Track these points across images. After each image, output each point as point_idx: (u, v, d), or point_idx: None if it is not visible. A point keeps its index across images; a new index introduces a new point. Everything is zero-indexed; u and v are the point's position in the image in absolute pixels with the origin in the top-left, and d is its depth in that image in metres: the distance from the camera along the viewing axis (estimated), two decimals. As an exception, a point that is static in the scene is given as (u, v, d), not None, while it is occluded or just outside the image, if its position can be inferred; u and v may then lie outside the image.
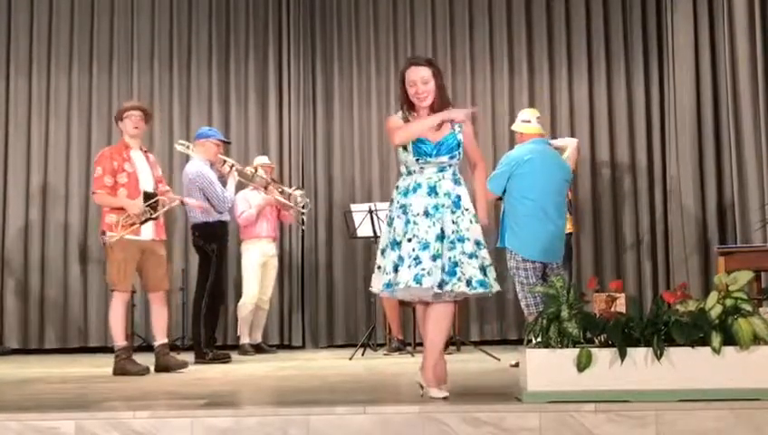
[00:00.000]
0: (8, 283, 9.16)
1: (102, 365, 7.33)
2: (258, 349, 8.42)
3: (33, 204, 9.24)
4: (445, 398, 4.24)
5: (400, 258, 4.37)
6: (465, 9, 9.61)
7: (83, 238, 9.26)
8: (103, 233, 6.34)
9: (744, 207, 7.97)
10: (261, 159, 8.75)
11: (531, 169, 6.18)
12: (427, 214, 4.39)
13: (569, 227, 7.47)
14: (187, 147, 7.95)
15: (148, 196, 6.34)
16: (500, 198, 6.38)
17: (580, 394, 3.86)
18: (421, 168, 4.45)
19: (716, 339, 3.87)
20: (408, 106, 4.54)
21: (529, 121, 6.56)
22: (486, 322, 9.29)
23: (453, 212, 4.43)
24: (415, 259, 4.32)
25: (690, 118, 8.79)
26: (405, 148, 4.45)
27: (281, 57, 9.54)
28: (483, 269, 4.40)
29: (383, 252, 4.50)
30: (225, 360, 7.35)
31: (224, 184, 7.67)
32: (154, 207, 6.34)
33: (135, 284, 8.82)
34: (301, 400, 4.42)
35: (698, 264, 8.70)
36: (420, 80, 4.46)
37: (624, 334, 3.91)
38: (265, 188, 8.29)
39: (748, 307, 3.95)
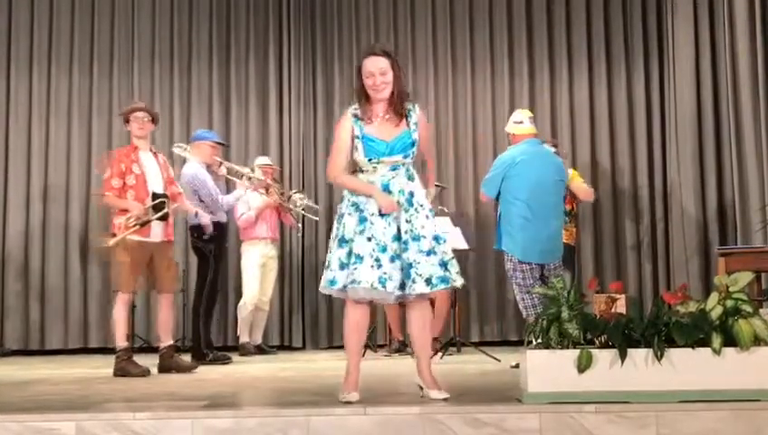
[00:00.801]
0: (9, 284, 9.16)
1: (103, 366, 7.33)
2: (258, 350, 8.42)
3: (33, 205, 9.24)
4: (445, 399, 4.24)
5: (353, 256, 4.27)
6: (466, 10, 9.61)
7: (84, 239, 9.26)
8: (112, 235, 6.36)
9: (744, 208, 7.97)
10: (262, 160, 8.75)
11: (523, 171, 6.17)
12: (381, 213, 4.30)
13: (565, 237, 7.42)
14: (185, 149, 7.96)
15: (156, 197, 6.35)
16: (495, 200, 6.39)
17: (580, 395, 3.85)
18: (374, 167, 4.36)
19: (717, 340, 3.87)
20: (365, 98, 4.39)
21: (521, 122, 6.52)
22: (486, 323, 9.28)
23: (406, 211, 4.34)
24: (376, 260, 4.25)
25: (690, 119, 8.78)
26: (356, 148, 4.36)
27: (281, 58, 9.55)
28: (443, 265, 4.32)
29: (330, 249, 4.43)
30: (226, 361, 7.35)
31: (225, 187, 7.70)
32: (159, 208, 6.34)
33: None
34: (301, 401, 4.42)
35: (699, 265, 8.70)
36: (378, 71, 4.32)
37: (624, 335, 3.91)
38: (266, 189, 8.28)
39: (749, 308, 3.95)
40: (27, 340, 9.11)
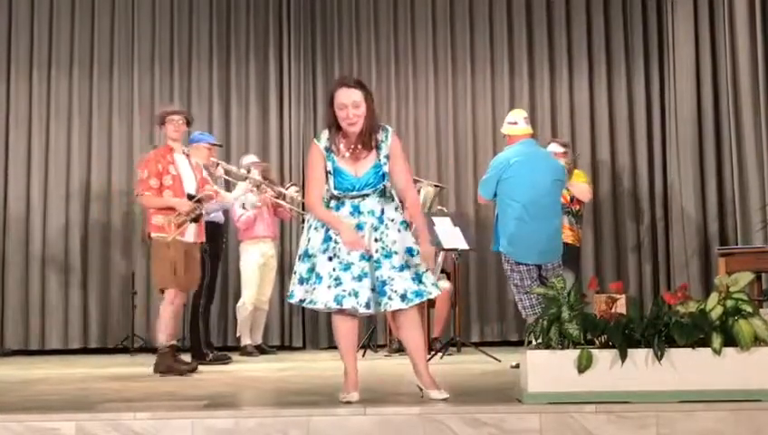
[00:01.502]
0: (9, 284, 9.15)
1: (103, 366, 7.34)
2: (259, 350, 8.41)
3: (33, 205, 9.24)
4: (445, 399, 4.25)
5: (313, 274, 4.26)
6: (466, 10, 9.60)
7: (84, 239, 9.25)
8: (148, 235, 6.43)
9: (744, 209, 7.97)
10: (250, 158, 8.71)
11: (518, 172, 6.16)
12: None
13: (571, 238, 7.42)
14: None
15: (190, 198, 6.45)
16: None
17: (580, 395, 3.86)
18: (342, 200, 4.33)
19: (717, 340, 3.87)
20: (336, 128, 4.33)
21: (516, 123, 6.50)
22: (487, 323, 9.28)
23: (376, 229, 4.30)
24: (335, 280, 4.22)
25: (691, 119, 8.78)
26: (327, 179, 4.31)
27: (281, 58, 9.54)
28: (417, 278, 4.29)
29: (299, 257, 4.38)
30: (226, 361, 7.35)
31: (225, 187, 7.69)
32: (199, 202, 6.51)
33: (139, 284, 8.94)
34: (301, 401, 4.43)
35: (699, 265, 8.70)
36: (351, 103, 4.27)
37: (624, 335, 3.91)
38: (257, 187, 8.25)
39: (749, 308, 3.95)
40: (27, 340, 9.11)
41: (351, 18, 9.61)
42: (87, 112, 9.40)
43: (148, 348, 8.91)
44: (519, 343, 7.97)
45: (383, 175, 4.33)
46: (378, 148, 4.34)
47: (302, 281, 4.33)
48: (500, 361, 6.91)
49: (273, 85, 9.51)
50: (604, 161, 9.44)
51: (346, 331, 4.42)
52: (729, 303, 3.96)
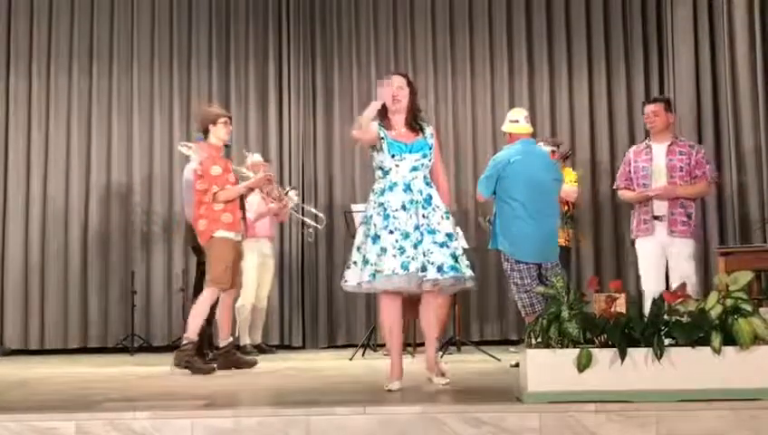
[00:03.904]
0: (8, 283, 9.15)
1: (103, 365, 7.34)
2: (258, 349, 8.41)
3: (33, 204, 9.23)
4: (446, 384, 4.84)
5: (383, 250, 4.75)
6: (465, 10, 9.59)
7: (83, 239, 9.24)
8: (203, 235, 6.53)
9: (743, 208, 7.97)
10: (255, 158, 8.70)
11: (518, 170, 6.17)
12: (404, 208, 4.82)
13: (563, 240, 7.42)
14: (189, 147, 7.95)
15: None
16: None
17: (580, 394, 3.86)
18: (396, 165, 4.90)
19: (717, 339, 3.88)
20: (385, 116, 4.99)
21: (517, 121, 6.52)
22: (487, 322, 9.29)
23: (424, 208, 4.87)
24: (399, 249, 4.74)
25: (690, 118, 8.78)
26: (380, 149, 4.92)
27: (281, 57, 9.54)
28: (454, 257, 4.84)
29: (359, 248, 4.89)
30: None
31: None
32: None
33: (138, 283, 8.94)
34: (301, 400, 4.43)
35: (698, 264, 8.68)
36: (397, 86, 4.99)
37: (624, 335, 3.91)
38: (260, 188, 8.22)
39: (748, 307, 3.95)
40: (27, 339, 9.10)
41: (351, 19, 9.60)
42: (86, 112, 9.39)
43: (148, 347, 8.94)
44: (519, 343, 7.97)
45: (429, 147, 4.99)
46: (422, 130, 5.03)
47: (366, 263, 4.80)
48: (500, 360, 6.92)
49: (273, 85, 9.50)
50: (604, 161, 9.43)
51: (396, 312, 4.91)
52: (729, 302, 3.96)
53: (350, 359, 7.47)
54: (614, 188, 6.57)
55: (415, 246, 4.75)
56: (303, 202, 8.63)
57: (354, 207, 8.44)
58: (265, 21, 9.57)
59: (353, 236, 8.34)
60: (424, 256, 4.75)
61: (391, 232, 4.77)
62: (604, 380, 3.87)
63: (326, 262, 9.35)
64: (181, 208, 8.40)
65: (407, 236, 4.76)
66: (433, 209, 4.89)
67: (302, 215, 8.61)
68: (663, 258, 6.27)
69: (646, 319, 3.98)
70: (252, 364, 6.64)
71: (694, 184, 6.24)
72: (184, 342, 6.41)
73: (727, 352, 3.88)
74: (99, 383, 5.68)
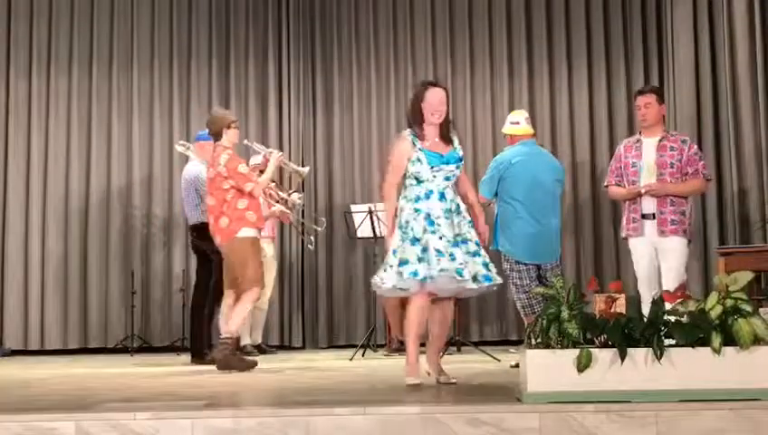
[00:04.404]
0: (8, 284, 9.15)
1: (102, 366, 7.34)
2: (258, 349, 8.41)
3: (32, 204, 9.23)
4: (454, 383, 4.99)
5: (427, 251, 4.89)
6: (465, 11, 9.60)
7: (83, 239, 9.25)
8: (227, 236, 6.58)
9: (743, 208, 7.97)
10: (260, 159, 8.69)
11: (519, 172, 6.19)
12: (445, 216, 4.98)
13: None
14: (187, 148, 7.96)
15: None
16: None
17: (580, 395, 3.86)
18: (434, 175, 5.03)
19: (717, 339, 3.88)
20: (419, 124, 5.12)
21: (518, 123, 6.55)
22: (486, 322, 9.29)
23: (456, 216, 5.04)
24: (451, 255, 4.90)
25: (689, 119, 8.78)
26: (417, 160, 5.03)
27: (281, 58, 9.54)
28: (485, 265, 5.02)
29: (395, 252, 4.98)
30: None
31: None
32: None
33: (138, 283, 8.94)
34: (301, 400, 4.43)
35: (698, 264, 8.69)
36: (439, 101, 5.09)
37: (624, 335, 3.91)
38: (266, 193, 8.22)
39: (748, 308, 3.95)
40: (27, 340, 9.10)
41: (350, 19, 9.60)
42: (86, 112, 9.39)
43: (148, 348, 8.94)
44: (519, 343, 7.98)
45: (461, 157, 5.15)
46: (452, 141, 5.16)
47: (420, 260, 4.90)
48: (500, 360, 6.92)
49: (273, 85, 9.50)
50: (603, 162, 9.41)
51: (426, 313, 5.06)
52: (728, 302, 3.96)
53: (351, 359, 7.47)
54: (604, 186, 6.24)
55: (466, 254, 4.97)
56: (303, 205, 8.62)
57: (353, 207, 8.45)
58: (265, 21, 9.57)
59: (352, 237, 8.46)
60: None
61: (440, 238, 4.92)
62: (604, 380, 3.87)
63: (326, 262, 9.35)
64: (181, 209, 8.41)
65: (456, 244, 4.94)
66: (462, 218, 5.07)
67: (303, 217, 8.61)
68: (655, 259, 5.97)
69: (645, 319, 3.98)
70: (247, 368, 6.52)
71: (686, 181, 5.89)
72: (224, 336, 6.52)
73: (727, 353, 3.88)
74: (99, 384, 5.68)
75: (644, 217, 5.91)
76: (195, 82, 9.51)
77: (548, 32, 9.57)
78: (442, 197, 5.01)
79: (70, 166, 9.31)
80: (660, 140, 5.95)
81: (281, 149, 9.45)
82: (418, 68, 9.53)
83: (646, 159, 5.94)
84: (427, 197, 5.00)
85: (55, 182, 9.27)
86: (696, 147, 6.09)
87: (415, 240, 4.93)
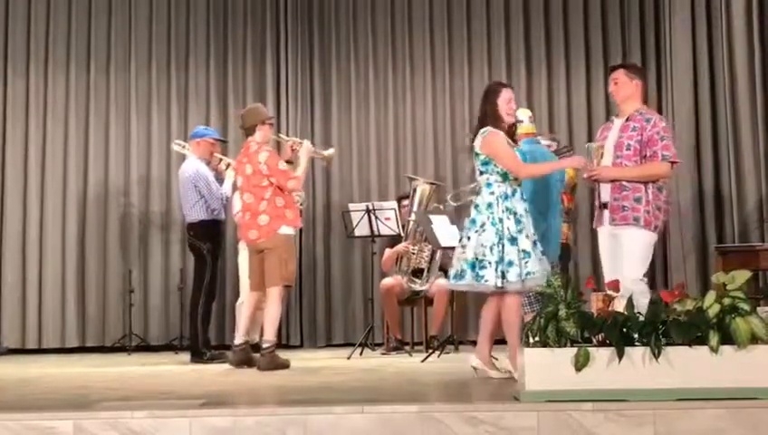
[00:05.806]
0: (6, 283, 9.13)
1: (100, 365, 7.34)
2: (255, 348, 8.40)
3: (30, 203, 9.21)
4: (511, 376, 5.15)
5: (523, 252, 5.10)
6: (463, 10, 9.59)
7: (81, 237, 9.23)
8: (268, 233, 6.56)
9: (741, 207, 7.98)
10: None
11: None
12: (525, 215, 5.21)
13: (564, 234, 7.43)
14: (183, 146, 7.95)
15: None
16: None
17: (577, 393, 3.86)
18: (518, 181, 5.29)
19: (714, 338, 3.88)
20: (494, 121, 5.38)
21: (521, 121, 6.57)
22: (484, 321, 9.27)
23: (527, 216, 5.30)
24: (542, 252, 5.22)
25: (688, 118, 8.79)
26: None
27: (278, 58, 9.52)
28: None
29: (491, 249, 5.08)
30: (223, 360, 7.34)
31: (220, 182, 7.68)
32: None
33: (136, 282, 8.93)
34: (299, 399, 4.43)
35: (696, 263, 8.70)
36: (511, 100, 5.51)
37: (622, 334, 3.92)
38: None
39: (746, 306, 3.96)
40: (24, 338, 9.09)
41: (349, 18, 9.59)
42: (84, 111, 9.37)
43: (146, 346, 8.93)
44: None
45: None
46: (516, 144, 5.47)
47: (510, 264, 5.08)
48: (497, 359, 6.91)
49: (271, 85, 9.49)
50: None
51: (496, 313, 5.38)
52: (726, 301, 3.97)
53: (348, 358, 7.47)
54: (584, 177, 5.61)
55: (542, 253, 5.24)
56: (303, 205, 8.60)
57: (351, 206, 8.44)
58: (263, 21, 9.56)
59: (350, 236, 8.45)
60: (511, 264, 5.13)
61: (527, 236, 5.13)
62: (602, 379, 3.88)
63: (324, 261, 9.35)
64: (179, 207, 8.40)
65: (535, 242, 5.21)
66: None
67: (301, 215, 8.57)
68: (616, 250, 5.31)
69: (643, 318, 3.98)
70: (284, 365, 6.50)
71: (642, 165, 5.20)
72: (265, 346, 6.46)
73: (725, 352, 3.88)
74: (97, 382, 5.68)
75: (603, 206, 5.35)
76: (192, 82, 9.50)
77: (546, 34, 9.56)
78: (521, 196, 5.26)
79: (67, 165, 9.29)
80: (626, 120, 5.31)
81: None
82: (416, 68, 9.52)
83: (609, 140, 5.38)
84: (513, 195, 5.21)
85: (53, 181, 9.26)
86: (661, 125, 5.29)
87: (512, 240, 5.10)
